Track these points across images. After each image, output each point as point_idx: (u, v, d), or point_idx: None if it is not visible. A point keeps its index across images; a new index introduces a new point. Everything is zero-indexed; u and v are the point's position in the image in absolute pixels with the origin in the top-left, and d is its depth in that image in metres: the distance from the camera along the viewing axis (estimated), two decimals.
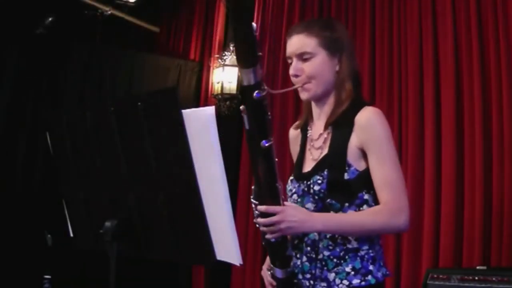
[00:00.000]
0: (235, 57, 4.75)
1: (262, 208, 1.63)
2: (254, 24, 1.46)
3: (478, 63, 3.17)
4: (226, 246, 1.47)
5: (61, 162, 1.86)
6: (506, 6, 3.09)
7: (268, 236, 1.65)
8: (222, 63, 4.81)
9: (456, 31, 3.33)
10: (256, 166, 1.60)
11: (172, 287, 4.83)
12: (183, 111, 1.46)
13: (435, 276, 2.66)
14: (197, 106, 4.48)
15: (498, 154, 3.04)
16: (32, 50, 4.45)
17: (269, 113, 1.57)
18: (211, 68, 5.04)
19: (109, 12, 4.97)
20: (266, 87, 1.54)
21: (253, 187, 1.67)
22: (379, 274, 1.77)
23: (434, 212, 3.25)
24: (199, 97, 5.15)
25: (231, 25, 1.49)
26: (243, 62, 1.50)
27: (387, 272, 1.81)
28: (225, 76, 4.79)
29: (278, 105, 4.42)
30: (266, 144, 1.56)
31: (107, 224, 1.62)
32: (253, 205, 1.67)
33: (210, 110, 1.45)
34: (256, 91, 1.51)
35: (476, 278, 2.54)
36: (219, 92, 4.80)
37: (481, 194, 3.04)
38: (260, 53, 1.51)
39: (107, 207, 1.70)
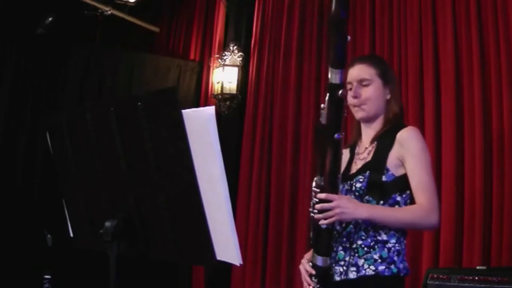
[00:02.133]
0: (235, 57, 4.80)
1: (322, 195, 1.92)
2: (348, 37, 1.79)
3: (478, 63, 3.16)
4: (226, 246, 1.46)
5: (61, 162, 1.86)
6: (506, 6, 3.09)
7: (322, 222, 1.92)
8: (222, 63, 4.81)
9: (456, 31, 3.33)
10: (324, 157, 1.88)
11: (172, 287, 4.83)
12: (183, 111, 1.45)
13: (435, 276, 2.66)
14: (197, 106, 4.49)
15: (498, 154, 3.04)
16: (32, 50, 4.45)
17: (345, 111, 1.87)
18: (211, 68, 5.04)
19: (109, 12, 4.97)
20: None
21: (315, 178, 1.94)
22: (401, 266, 2.03)
23: None
24: (199, 97, 5.15)
25: (329, 34, 1.80)
26: (336, 63, 1.80)
27: (408, 268, 2.06)
28: (225, 76, 4.79)
29: (278, 106, 4.42)
30: (339, 137, 1.84)
31: (107, 224, 1.61)
32: (313, 193, 1.94)
33: (210, 110, 1.45)
34: (341, 90, 1.81)
35: (476, 278, 2.54)
36: (219, 92, 4.81)
37: (481, 194, 3.04)
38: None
39: (107, 207, 1.70)
